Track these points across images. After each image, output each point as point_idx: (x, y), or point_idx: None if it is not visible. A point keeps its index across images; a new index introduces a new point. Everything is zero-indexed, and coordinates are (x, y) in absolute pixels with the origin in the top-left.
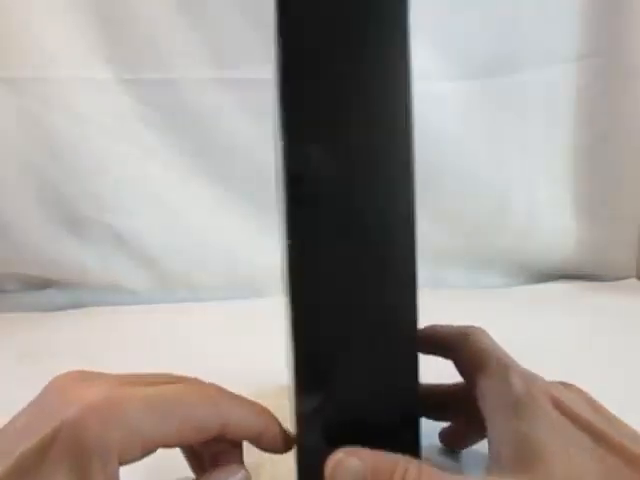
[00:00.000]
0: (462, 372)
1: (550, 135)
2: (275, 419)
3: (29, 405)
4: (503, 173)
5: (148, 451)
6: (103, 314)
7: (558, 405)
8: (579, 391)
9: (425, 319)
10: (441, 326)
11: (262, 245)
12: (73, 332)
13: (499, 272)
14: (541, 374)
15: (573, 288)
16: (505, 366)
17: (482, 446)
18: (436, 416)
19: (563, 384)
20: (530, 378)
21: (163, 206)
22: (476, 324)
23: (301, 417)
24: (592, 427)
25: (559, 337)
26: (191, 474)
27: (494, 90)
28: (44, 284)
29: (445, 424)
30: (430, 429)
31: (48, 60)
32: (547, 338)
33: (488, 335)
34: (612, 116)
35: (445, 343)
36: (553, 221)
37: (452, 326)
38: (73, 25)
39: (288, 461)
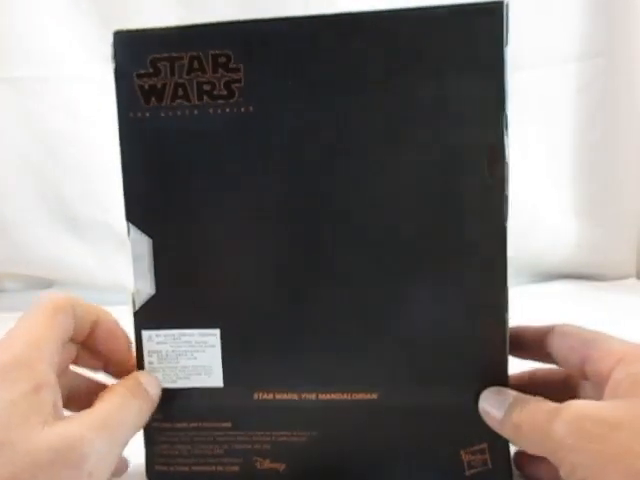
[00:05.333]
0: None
1: (550, 135)
2: None
3: None
4: None
5: None
6: None
7: None
8: None
9: None
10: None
11: None
12: None
13: None
14: None
15: (573, 288)
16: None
17: None
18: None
19: None
20: None
21: None
22: None
23: None
24: None
25: None
26: None
27: None
28: (44, 284)
29: None
30: None
31: (48, 60)
32: None
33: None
34: (612, 116)
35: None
36: (553, 221)
37: (532, 326)
38: (73, 25)
39: None
